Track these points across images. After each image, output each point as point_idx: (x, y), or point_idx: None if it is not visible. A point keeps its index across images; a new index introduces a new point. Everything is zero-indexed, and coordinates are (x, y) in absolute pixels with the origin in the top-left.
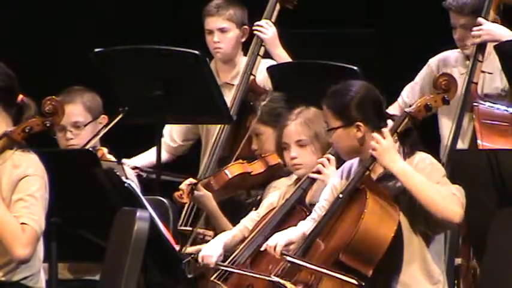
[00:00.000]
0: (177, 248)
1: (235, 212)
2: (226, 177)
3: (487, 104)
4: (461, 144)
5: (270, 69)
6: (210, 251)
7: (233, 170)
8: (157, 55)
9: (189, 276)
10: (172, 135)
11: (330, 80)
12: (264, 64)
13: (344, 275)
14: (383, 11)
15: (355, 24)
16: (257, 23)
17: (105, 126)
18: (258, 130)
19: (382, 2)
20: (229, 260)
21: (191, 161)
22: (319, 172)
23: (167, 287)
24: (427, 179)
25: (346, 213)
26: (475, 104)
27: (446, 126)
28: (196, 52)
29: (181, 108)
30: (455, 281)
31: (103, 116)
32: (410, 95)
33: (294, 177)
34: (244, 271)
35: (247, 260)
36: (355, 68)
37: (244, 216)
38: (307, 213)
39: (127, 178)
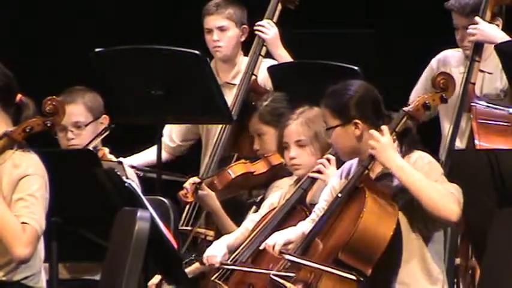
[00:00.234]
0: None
1: (236, 211)
2: (229, 177)
3: (485, 103)
4: (460, 145)
5: (271, 69)
6: (214, 252)
7: (236, 169)
8: (158, 55)
9: (190, 276)
10: (171, 135)
11: (330, 80)
12: (265, 64)
13: (342, 271)
14: (383, 11)
15: (355, 24)
16: (259, 22)
17: (95, 138)
18: (260, 130)
19: (382, 2)
20: (230, 259)
21: (191, 161)
22: (319, 172)
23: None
24: (426, 177)
25: (345, 212)
26: (472, 104)
27: (446, 127)
28: (197, 52)
29: (181, 108)
30: (455, 280)
31: (104, 116)
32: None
33: (295, 177)
34: (248, 267)
35: (248, 259)
36: (356, 68)
37: (246, 215)
38: (308, 213)
39: (128, 178)
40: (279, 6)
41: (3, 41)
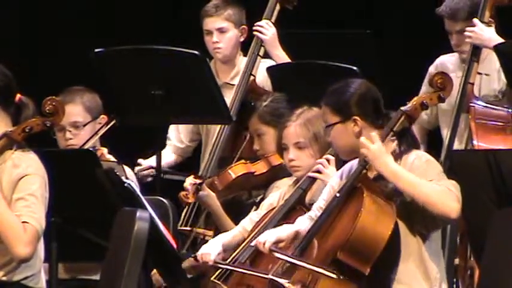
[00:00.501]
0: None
1: (236, 212)
2: (230, 178)
3: (483, 104)
4: (458, 145)
5: (270, 70)
6: (209, 249)
7: (237, 170)
8: (157, 55)
9: (189, 276)
10: (180, 136)
11: (330, 80)
12: (264, 64)
13: (325, 269)
14: (383, 11)
15: (355, 24)
16: (257, 23)
17: (96, 133)
18: (260, 130)
19: (382, 2)
20: (229, 260)
21: (191, 161)
22: (319, 172)
23: (167, 287)
24: (424, 176)
25: (344, 211)
26: (471, 104)
27: (445, 132)
28: (196, 52)
29: (181, 108)
30: (454, 280)
31: (102, 116)
32: None
33: (294, 177)
34: (242, 268)
35: (247, 260)
36: (355, 68)
37: (246, 215)
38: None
39: (127, 178)
40: (277, 7)
41: (3, 41)
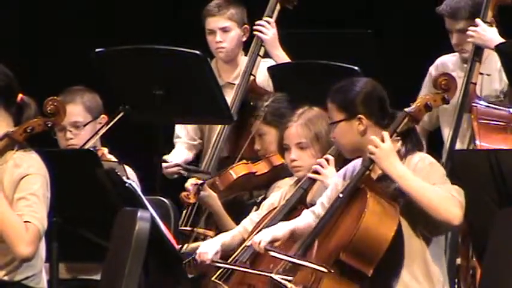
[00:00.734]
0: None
1: (237, 212)
2: (231, 178)
3: (485, 103)
4: (460, 145)
5: (271, 70)
6: (206, 248)
7: (238, 170)
8: (158, 55)
9: (190, 276)
10: (190, 133)
11: (330, 80)
12: (265, 64)
13: (315, 264)
14: (383, 11)
15: (355, 24)
16: (258, 22)
17: (107, 124)
18: (261, 130)
19: (382, 2)
20: (229, 260)
21: (191, 161)
22: (317, 172)
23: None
24: (427, 179)
25: (347, 212)
26: (473, 104)
27: (447, 132)
28: (197, 52)
29: (182, 108)
30: (456, 281)
31: (103, 116)
32: None
33: (296, 177)
34: (240, 266)
35: (247, 260)
36: (356, 68)
37: (247, 216)
38: None
39: (128, 178)
40: (278, 7)
41: (3, 41)
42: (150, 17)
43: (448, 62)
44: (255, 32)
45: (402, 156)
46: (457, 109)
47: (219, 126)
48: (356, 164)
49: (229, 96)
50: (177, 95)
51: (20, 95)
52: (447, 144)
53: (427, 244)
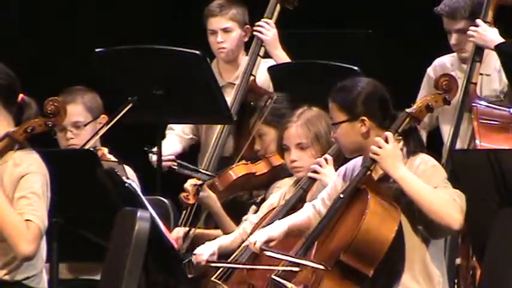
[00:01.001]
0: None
1: (237, 212)
2: (231, 178)
3: (486, 103)
4: (460, 145)
5: (271, 70)
6: (202, 250)
7: (238, 170)
8: (158, 55)
9: (190, 276)
10: (183, 129)
11: (330, 80)
12: (265, 64)
13: (313, 261)
14: (383, 12)
15: (355, 24)
16: (258, 23)
17: (97, 133)
18: (261, 131)
19: (382, 2)
20: (229, 260)
21: (191, 161)
22: (316, 172)
23: (168, 287)
24: (428, 182)
25: (348, 213)
26: (473, 104)
27: (447, 130)
28: (197, 52)
29: (181, 108)
30: (455, 281)
31: (103, 116)
32: None
33: (295, 177)
34: (238, 264)
35: (247, 260)
36: (356, 68)
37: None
38: None
39: (128, 178)
40: (278, 7)
41: (4, 41)
42: (150, 17)
43: (446, 62)
44: (255, 33)
45: (404, 156)
46: (457, 109)
47: (219, 126)
48: (356, 162)
49: (231, 96)
50: (177, 95)
51: (21, 95)
52: (447, 144)
53: (426, 245)
